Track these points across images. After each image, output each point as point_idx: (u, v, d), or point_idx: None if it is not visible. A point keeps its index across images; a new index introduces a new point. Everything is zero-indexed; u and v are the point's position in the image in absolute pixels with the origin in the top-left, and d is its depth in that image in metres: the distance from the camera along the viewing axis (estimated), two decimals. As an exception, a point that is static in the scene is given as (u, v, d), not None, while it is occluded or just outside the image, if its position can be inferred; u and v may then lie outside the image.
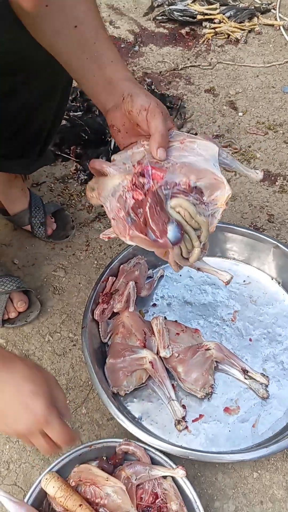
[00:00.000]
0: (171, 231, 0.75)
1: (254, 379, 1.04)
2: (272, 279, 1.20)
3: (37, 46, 0.82)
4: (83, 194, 1.43)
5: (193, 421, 1.00)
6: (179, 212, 0.77)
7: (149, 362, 1.02)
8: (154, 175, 0.76)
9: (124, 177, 0.77)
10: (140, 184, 0.76)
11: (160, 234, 0.75)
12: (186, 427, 0.99)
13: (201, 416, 1.01)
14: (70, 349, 1.12)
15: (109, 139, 1.48)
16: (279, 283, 1.19)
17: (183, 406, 1.01)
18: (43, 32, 0.80)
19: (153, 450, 0.92)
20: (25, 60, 0.88)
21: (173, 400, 1.01)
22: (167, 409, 1.01)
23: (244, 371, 1.04)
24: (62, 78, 0.83)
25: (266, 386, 1.03)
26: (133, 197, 0.76)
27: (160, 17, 1.97)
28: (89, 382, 1.06)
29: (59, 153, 1.50)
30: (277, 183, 1.45)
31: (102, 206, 0.80)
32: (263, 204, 1.41)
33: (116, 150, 1.51)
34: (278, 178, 1.47)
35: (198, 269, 0.92)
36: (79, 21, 0.78)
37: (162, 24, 1.96)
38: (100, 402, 1.03)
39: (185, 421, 0.99)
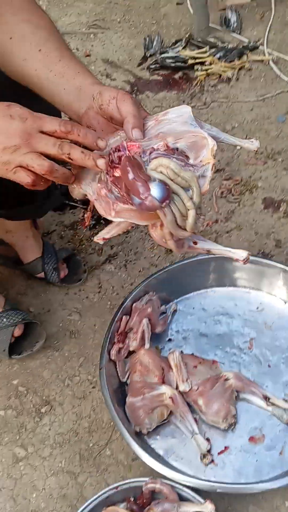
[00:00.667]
0: (155, 188, 0.69)
1: (277, 405, 1.02)
2: (285, 303, 1.20)
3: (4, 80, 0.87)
4: (92, 238, 1.47)
5: (218, 453, 0.99)
6: (161, 172, 0.72)
7: (169, 397, 1.01)
8: (130, 146, 0.74)
9: None
10: (116, 160, 0.73)
11: (144, 194, 0.69)
12: (212, 461, 0.98)
13: (226, 448, 0.99)
14: (90, 392, 1.12)
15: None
16: (292, 306, 1.19)
17: (207, 439, 1.00)
18: (11, 63, 0.86)
19: (180, 486, 0.90)
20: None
21: (196, 434, 1.00)
22: (192, 444, 1.00)
23: (266, 398, 1.03)
24: (52, 111, 0.88)
25: (290, 411, 1.02)
26: (112, 175, 0.73)
27: (153, 66, 2.06)
28: (111, 423, 1.06)
29: (67, 201, 1.55)
30: (280, 209, 1.48)
31: (85, 196, 0.77)
32: (269, 230, 1.43)
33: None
34: (282, 204, 1.49)
35: (208, 251, 0.84)
36: (42, 45, 0.84)
37: (156, 72, 2.06)
38: (123, 443, 1.02)
39: (211, 455, 0.98)
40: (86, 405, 1.10)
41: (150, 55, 2.11)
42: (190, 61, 2.03)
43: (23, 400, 1.11)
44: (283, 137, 1.72)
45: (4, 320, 1.15)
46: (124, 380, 1.09)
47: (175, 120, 0.76)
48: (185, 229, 0.75)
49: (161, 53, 2.08)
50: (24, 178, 0.73)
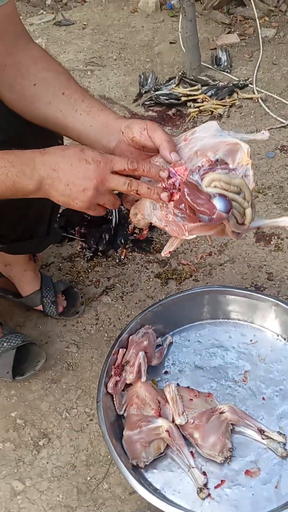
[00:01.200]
0: (219, 203, 0.79)
1: (271, 438, 1.04)
2: (278, 336, 1.23)
3: (22, 123, 0.94)
4: (89, 270, 1.50)
5: (215, 487, 1.00)
6: (215, 186, 0.82)
7: (166, 431, 1.03)
8: (177, 171, 0.83)
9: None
10: (170, 186, 0.83)
11: (211, 211, 0.79)
12: (209, 495, 0.99)
13: (222, 481, 1.01)
14: (87, 424, 1.14)
15: (110, 217, 1.58)
16: (284, 339, 1.22)
17: (204, 473, 1.01)
18: (35, 107, 0.92)
19: (177, 521, 0.91)
20: (15, 140, 0.95)
21: (193, 467, 1.01)
22: (188, 477, 1.01)
23: (261, 431, 1.05)
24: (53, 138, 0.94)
25: (284, 444, 1.04)
26: (172, 200, 0.83)
27: (148, 102, 2.14)
28: (109, 456, 1.07)
29: (65, 234, 1.59)
30: (272, 242, 1.52)
31: (151, 224, 0.87)
32: (261, 263, 1.47)
33: (118, 226, 1.60)
34: (273, 237, 1.54)
35: (259, 228, 0.95)
36: (65, 88, 0.92)
37: (151, 108, 2.13)
38: (121, 476, 1.03)
39: (207, 488, 0.99)
40: (83, 437, 1.11)
41: (145, 92, 2.19)
42: (183, 98, 2.11)
43: (21, 432, 1.12)
44: (273, 172, 1.79)
45: (5, 344, 1.19)
46: (121, 413, 1.10)
47: (204, 135, 0.87)
48: (244, 224, 0.86)
49: (156, 90, 2.16)
50: (100, 213, 0.87)
